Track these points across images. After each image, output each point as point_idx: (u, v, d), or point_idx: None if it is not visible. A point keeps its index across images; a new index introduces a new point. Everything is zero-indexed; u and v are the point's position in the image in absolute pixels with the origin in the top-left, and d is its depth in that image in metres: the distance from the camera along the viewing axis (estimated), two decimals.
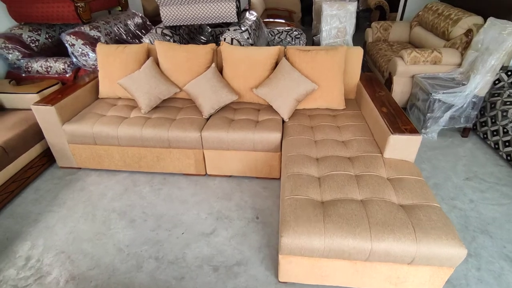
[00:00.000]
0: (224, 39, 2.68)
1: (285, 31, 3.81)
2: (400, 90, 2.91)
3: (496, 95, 2.58)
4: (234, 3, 2.70)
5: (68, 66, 2.87)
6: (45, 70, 2.86)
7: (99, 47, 2.45)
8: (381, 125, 1.83)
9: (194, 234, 1.84)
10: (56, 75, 2.88)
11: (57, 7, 2.78)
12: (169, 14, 2.78)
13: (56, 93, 2.28)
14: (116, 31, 3.21)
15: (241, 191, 2.17)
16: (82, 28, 2.88)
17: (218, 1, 2.69)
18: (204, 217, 1.96)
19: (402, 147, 1.71)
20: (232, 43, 2.66)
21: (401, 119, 1.81)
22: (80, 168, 2.44)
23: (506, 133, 2.38)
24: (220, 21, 2.81)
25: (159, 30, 2.88)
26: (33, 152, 2.29)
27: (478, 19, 2.79)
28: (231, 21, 2.80)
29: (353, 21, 3.52)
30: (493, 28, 2.38)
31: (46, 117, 2.18)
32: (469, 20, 2.81)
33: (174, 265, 1.65)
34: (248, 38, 2.84)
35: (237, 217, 1.95)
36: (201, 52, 2.33)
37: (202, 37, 3.75)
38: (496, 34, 2.33)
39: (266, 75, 2.30)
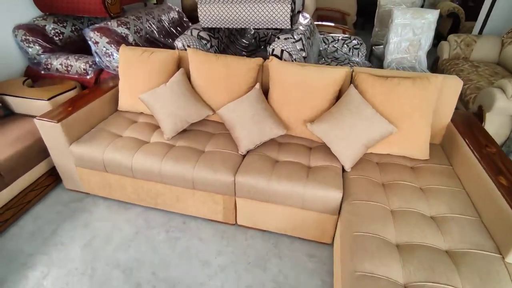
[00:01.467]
0: (273, 50, 2.15)
1: (342, 39, 3.20)
2: (494, 131, 2.23)
3: None
4: (289, 5, 2.16)
5: (90, 66, 2.49)
6: (65, 69, 2.51)
7: (122, 50, 2.02)
8: (499, 206, 1.23)
9: None
10: (76, 76, 2.52)
11: None
12: (209, 14, 2.29)
13: (68, 104, 1.89)
14: (148, 28, 2.79)
15: (279, 256, 1.66)
16: (109, 23, 2.49)
17: (269, 2, 2.16)
18: None
19: None
20: (281, 56, 2.13)
21: None
22: (89, 194, 2.06)
23: None
24: (270, 27, 2.28)
25: (195, 32, 2.41)
26: (37, 171, 1.94)
27: None
28: (283, 27, 2.26)
29: (431, 34, 2.85)
30: None
31: (51, 134, 1.80)
32: None
33: None
34: (301, 50, 2.29)
35: None
36: (244, 68, 1.82)
37: (244, 40, 3.25)
38: None
39: (326, 106, 1.75)
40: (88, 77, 2.50)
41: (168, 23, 3.13)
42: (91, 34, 2.39)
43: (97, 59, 2.50)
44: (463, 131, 1.68)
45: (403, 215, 1.37)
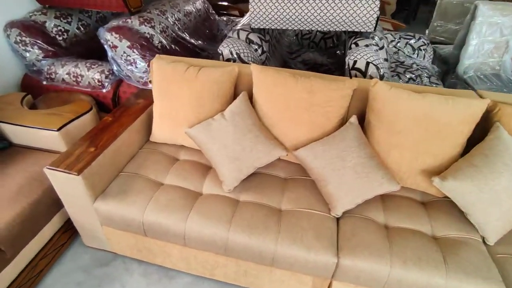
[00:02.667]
0: (354, 62, 1.62)
1: (404, 38, 2.66)
2: None
3: None
4: (377, 2, 1.62)
5: (106, 77, 1.94)
6: (74, 79, 1.96)
7: (158, 63, 1.48)
8: None
9: None
10: (89, 89, 1.97)
11: None
12: (264, 12, 1.74)
13: (87, 141, 1.37)
14: (175, 25, 2.22)
15: None
16: (129, 21, 1.92)
17: None
18: None
19: None
20: (366, 71, 1.61)
21: None
22: (117, 254, 1.57)
23: None
24: (346, 29, 1.74)
25: (243, 35, 1.86)
26: (48, 231, 1.44)
27: None
28: (366, 30, 1.73)
29: None
30: None
31: (68, 188, 1.29)
32: None
33: None
34: (386, 60, 1.78)
35: None
36: (334, 96, 1.30)
37: (285, 38, 2.70)
38: None
39: (455, 153, 1.25)
40: (104, 90, 1.96)
41: (195, 18, 2.55)
42: (108, 35, 1.83)
43: (114, 68, 1.95)
44: None
45: None
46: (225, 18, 2.91)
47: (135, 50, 1.85)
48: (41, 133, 1.54)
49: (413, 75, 2.32)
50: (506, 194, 1.11)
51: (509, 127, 1.20)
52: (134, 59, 1.87)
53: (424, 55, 2.62)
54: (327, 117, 1.33)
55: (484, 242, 1.20)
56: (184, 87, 1.42)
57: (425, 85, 2.30)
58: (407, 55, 2.63)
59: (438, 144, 1.24)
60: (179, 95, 1.43)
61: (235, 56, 1.73)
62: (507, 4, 2.32)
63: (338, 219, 1.28)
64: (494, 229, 1.15)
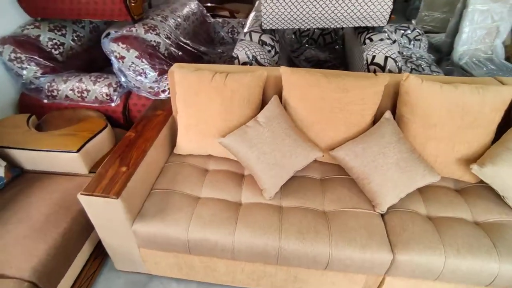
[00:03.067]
0: (373, 58, 1.64)
1: (399, 29, 2.72)
2: None
3: None
4: None
5: (115, 90, 1.85)
6: (79, 95, 1.85)
7: (179, 71, 1.42)
8: None
9: None
10: (96, 104, 1.87)
11: None
12: (276, 13, 1.72)
13: (117, 161, 1.29)
14: (177, 30, 2.15)
15: None
16: (134, 29, 1.83)
17: None
18: None
19: None
20: (385, 65, 1.63)
21: None
22: (151, 275, 1.50)
23: None
24: (361, 25, 1.75)
25: (255, 37, 1.83)
26: (80, 260, 1.35)
27: None
28: (379, 24, 1.75)
29: None
30: None
31: (105, 213, 1.21)
32: None
33: None
34: (400, 54, 1.80)
35: None
36: (369, 92, 1.31)
37: (287, 37, 2.69)
38: None
39: (488, 139, 1.30)
40: (113, 104, 1.87)
41: (193, 22, 2.47)
42: (114, 46, 1.74)
43: (122, 79, 1.86)
44: None
45: None
46: (220, 20, 2.84)
47: (144, 60, 1.77)
48: (59, 157, 1.44)
49: (414, 65, 2.38)
50: None
51: None
52: (143, 69, 1.79)
53: (420, 45, 2.70)
54: (362, 115, 1.34)
55: None
56: (212, 95, 1.37)
57: (427, 74, 2.37)
58: (404, 46, 2.70)
59: (472, 133, 1.28)
60: (207, 104, 1.38)
61: (251, 58, 1.70)
62: None
63: (382, 215, 1.29)
64: None
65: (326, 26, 1.78)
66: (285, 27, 1.80)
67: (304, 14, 1.72)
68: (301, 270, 1.28)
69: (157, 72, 1.83)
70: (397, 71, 1.63)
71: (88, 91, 1.84)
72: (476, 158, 1.30)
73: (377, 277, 1.25)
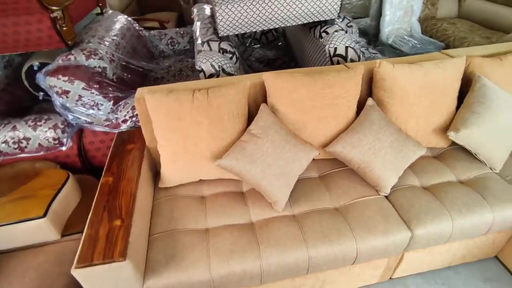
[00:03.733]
0: (335, 50, 1.70)
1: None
2: None
3: None
4: None
5: (63, 131, 1.57)
6: (16, 146, 1.52)
7: (151, 97, 1.25)
8: None
9: None
10: (42, 152, 1.56)
11: (21, 25, 1.41)
12: (233, 19, 1.65)
13: (100, 213, 1.08)
14: (117, 50, 1.90)
15: None
16: (72, 57, 1.56)
17: None
18: None
19: None
20: (346, 55, 1.71)
21: None
22: None
23: None
24: (314, 20, 1.80)
25: (214, 45, 1.73)
26: None
27: None
28: (330, 17, 1.81)
29: None
30: None
31: (111, 281, 1.01)
32: None
33: None
34: (356, 42, 1.90)
35: None
36: (350, 83, 1.34)
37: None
38: None
39: (454, 107, 1.46)
40: (64, 148, 1.58)
41: (130, 38, 2.23)
42: (53, 81, 1.47)
43: (69, 117, 1.58)
44: None
45: None
46: (155, 32, 2.63)
47: (93, 90, 1.54)
48: (19, 228, 1.15)
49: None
50: (505, 129, 1.35)
51: (482, 74, 1.46)
52: (94, 101, 1.55)
53: (352, 31, 2.91)
54: (348, 106, 1.37)
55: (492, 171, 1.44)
56: (198, 117, 1.24)
57: (370, 57, 2.58)
58: None
59: (443, 104, 1.42)
60: (194, 127, 1.25)
61: (218, 69, 1.60)
62: None
63: (386, 197, 1.35)
64: (498, 159, 1.40)
65: (282, 26, 1.78)
66: (242, 32, 1.75)
67: (260, 16, 1.69)
68: (329, 272, 1.27)
69: (112, 101, 1.60)
70: (357, 59, 1.72)
71: (28, 139, 1.51)
72: (448, 125, 1.45)
73: (397, 256, 1.32)
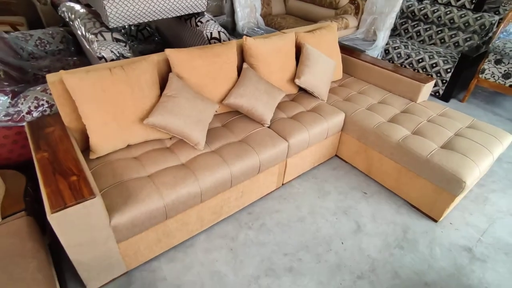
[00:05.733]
0: (211, 34, 2.22)
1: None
2: None
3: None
4: None
5: None
6: None
7: (71, 78, 1.42)
8: None
9: (349, 237, 1.80)
10: None
11: None
12: (121, 11, 1.91)
13: (54, 176, 1.23)
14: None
15: (325, 180, 2.19)
16: None
17: None
18: (335, 218, 1.91)
19: None
20: (220, 38, 2.26)
21: None
22: (130, 272, 1.54)
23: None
24: (187, 12, 2.24)
25: (108, 36, 1.94)
26: None
27: None
28: (200, 10, 2.30)
29: None
30: None
31: (83, 221, 1.20)
32: None
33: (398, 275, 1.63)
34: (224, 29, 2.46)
35: (354, 202, 2.03)
36: (230, 53, 1.89)
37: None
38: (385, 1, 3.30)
39: (294, 64, 2.23)
40: None
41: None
42: None
43: None
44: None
45: (358, 99, 2.26)
46: (19, 34, 2.47)
47: None
48: None
49: None
50: (320, 74, 2.21)
51: (305, 42, 2.28)
52: None
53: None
54: (232, 70, 1.92)
55: (323, 102, 2.30)
56: (121, 86, 1.51)
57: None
58: None
59: (288, 62, 2.17)
60: (119, 96, 1.51)
61: (118, 55, 1.85)
62: None
63: (269, 127, 1.98)
64: (324, 92, 2.26)
65: (164, 17, 2.16)
66: (130, 23, 2.02)
67: (145, 8, 2.01)
68: (245, 183, 1.79)
69: (10, 95, 1.60)
70: (228, 39, 2.30)
71: None
72: (293, 76, 2.22)
73: (282, 163, 1.97)
